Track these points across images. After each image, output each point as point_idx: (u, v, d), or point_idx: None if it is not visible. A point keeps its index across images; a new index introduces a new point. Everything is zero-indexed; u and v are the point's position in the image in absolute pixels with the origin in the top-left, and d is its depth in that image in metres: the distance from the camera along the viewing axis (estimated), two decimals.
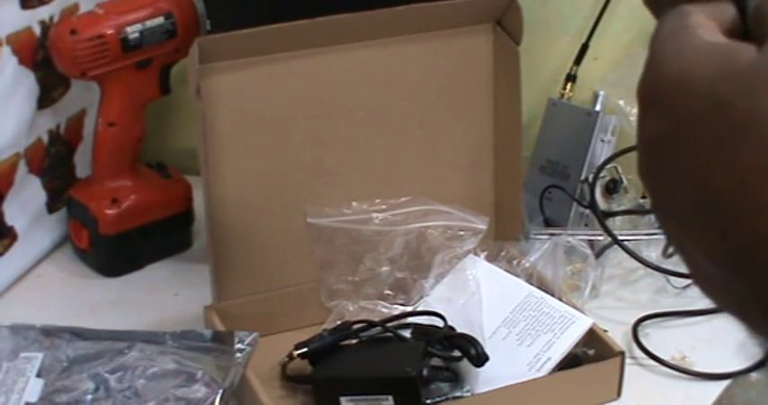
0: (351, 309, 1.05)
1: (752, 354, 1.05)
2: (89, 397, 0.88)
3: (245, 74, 0.99)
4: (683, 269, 1.10)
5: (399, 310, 1.04)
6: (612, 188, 1.17)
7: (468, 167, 1.10)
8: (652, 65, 0.39)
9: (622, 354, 0.97)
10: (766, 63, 0.36)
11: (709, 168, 0.36)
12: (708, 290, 0.39)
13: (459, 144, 1.09)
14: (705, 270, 0.38)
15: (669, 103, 0.38)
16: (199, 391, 0.88)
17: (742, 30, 0.39)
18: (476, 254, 1.06)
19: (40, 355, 0.93)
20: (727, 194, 0.36)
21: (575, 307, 1.01)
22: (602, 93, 1.19)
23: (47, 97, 1.13)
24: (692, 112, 0.37)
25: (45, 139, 1.15)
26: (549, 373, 0.96)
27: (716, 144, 0.36)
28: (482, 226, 1.06)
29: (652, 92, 0.39)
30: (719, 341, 1.07)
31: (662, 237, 1.14)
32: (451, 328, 0.97)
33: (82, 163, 1.21)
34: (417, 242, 1.06)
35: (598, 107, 1.19)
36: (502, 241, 1.09)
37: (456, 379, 0.95)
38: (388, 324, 0.99)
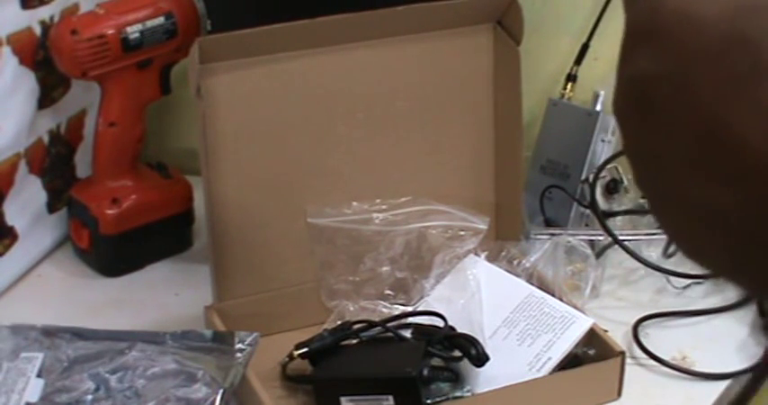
0: (351, 309, 1.05)
1: (752, 354, 1.05)
2: (89, 397, 0.88)
3: (245, 74, 0.99)
4: (684, 269, 1.11)
5: (400, 310, 1.05)
6: (613, 188, 1.17)
7: (468, 167, 1.10)
8: (644, 2, 0.36)
9: (623, 354, 0.97)
10: None
11: (728, 108, 0.34)
12: (701, 251, 0.37)
13: (459, 144, 1.09)
14: (714, 219, 0.35)
15: (671, 40, 0.35)
16: (199, 391, 0.88)
17: None
18: (476, 254, 1.06)
19: (40, 356, 0.93)
20: (747, 131, 0.33)
21: (575, 307, 1.01)
22: (602, 93, 1.19)
23: (47, 97, 1.13)
24: (703, 50, 0.34)
25: (45, 139, 1.15)
26: (550, 373, 0.96)
27: (734, 82, 0.34)
28: (482, 226, 1.06)
29: (647, 26, 0.36)
30: (719, 341, 1.07)
31: (662, 237, 1.14)
32: (452, 328, 0.97)
33: (82, 163, 1.21)
34: (418, 242, 1.06)
35: (598, 107, 1.19)
36: (502, 241, 1.09)
37: (456, 379, 0.95)
38: (389, 324, 0.99)
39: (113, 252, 1.16)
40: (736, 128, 0.34)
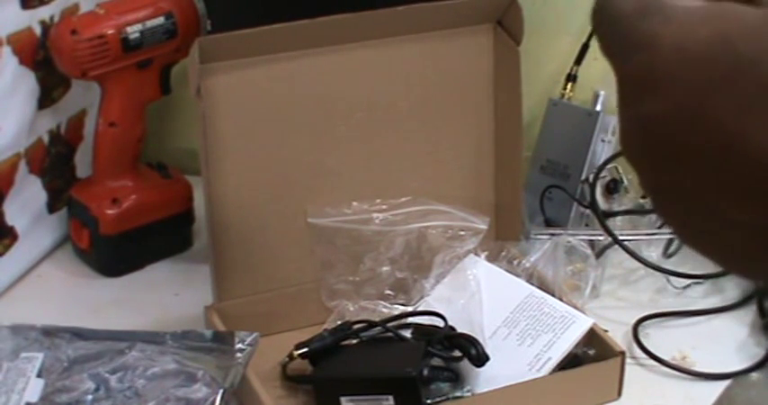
0: (351, 309, 1.05)
1: (752, 354, 1.05)
2: (89, 397, 0.88)
3: (245, 74, 0.99)
4: (684, 269, 1.11)
5: (400, 310, 1.04)
6: (613, 188, 1.17)
7: (468, 167, 1.10)
8: (637, 43, 0.37)
9: (623, 354, 0.97)
10: None
11: (747, 128, 0.34)
12: (751, 271, 0.37)
13: (459, 144, 1.09)
14: (742, 239, 0.36)
15: (675, 81, 0.36)
16: (199, 391, 0.88)
17: None
18: (476, 254, 1.06)
19: (40, 356, 0.93)
20: (765, 153, 0.34)
21: (575, 307, 1.01)
22: (602, 93, 1.19)
23: (47, 97, 1.13)
24: (710, 81, 0.35)
25: (45, 139, 1.15)
26: (550, 373, 0.96)
27: (744, 106, 0.34)
28: (482, 226, 1.06)
29: (647, 75, 0.36)
30: (719, 341, 1.07)
31: (662, 237, 1.14)
32: (452, 328, 0.97)
33: (82, 163, 1.21)
34: (418, 242, 1.06)
35: (599, 107, 1.19)
36: (502, 241, 1.09)
37: (456, 379, 0.95)
38: (389, 324, 0.99)
39: (113, 252, 1.16)
40: (756, 143, 0.34)
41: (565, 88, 1.23)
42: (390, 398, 0.91)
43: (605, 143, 1.18)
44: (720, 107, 0.35)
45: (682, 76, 0.35)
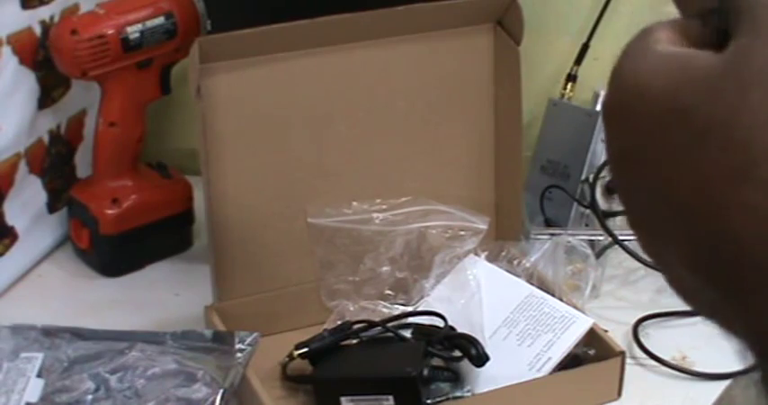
0: (351, 309, 1.05)
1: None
2: (89, 397, 0.88)
3: (245, 74, 0.99)
4: None
5: (400, 310, 1.04)
6: (613, 188, 1.17)
7: (468, 167, 1.10)
8: (612, 82, 0.39)
9: (623, 354, 0.97)
10: (724, 66, 0.36)
11: (675, 176, 0.37)
12: (682, 294, 0.40)
13: (459, 144, 1.09)
14: (678, 275, 0.39)
15: (631, 117, 0.38)
16: (199, 391, 0.88)
17: (710, 40, 0.39)
18: (476, 254, 1.06)
19: (40, 356, 0.93)
20: (692, 200, 0.36)
21: (575, 307, 1.01)
22: (602, 93, 1.19)
23: (47, 97, 1.13)
24: (654, 123, 0.37)
25: (45, 139, 1.15)
26: (550, 373, 0.96)
27: (679, 151, 0.36)
28: (482, 226, 1.06)
29: (614, 107, 0.39)
30: (719, 341, 1.06)
31: None
32: (452, 328, 0.97)
33: (82, 163, 1.21)
34: (418, 242, 1.06)
35: (599, 107, 1.19)
36: (502, 241, 1.09)
37: (456, 379, 0.95)
38: (389, 324, 0.99)
39: (113, 252, 1.16)
40: (684, 195, 0.37)
41: (565, 88, 1.23)
42: (390, 398, 0.91)
43: (605, 143, 1.18)
44: (660, 150, 0.37)
45: (639, 116, 0.38)
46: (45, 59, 1.10)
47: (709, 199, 0.36)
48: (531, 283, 1.03)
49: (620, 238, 1.11)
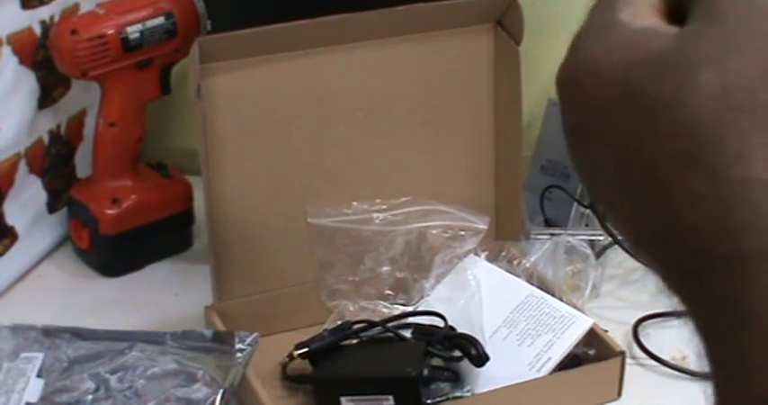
0: (351, 309, 1.05)
1: None
2: (89, 397, 0.88)
3: (245, 74, 0.99)
4: None
5: (400, 310, 1.05)
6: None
7: (468, 167, 1.10)
8: (571, 53, 0.39)
9: (623, 354, 0.97)
10: (677, 47, 0.35)
11: (624, 157, 0.36)
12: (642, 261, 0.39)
13: (459, 144, 1.09)
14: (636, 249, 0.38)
15: (584, 93, 0.38)
16: (199, 391, 0.88)
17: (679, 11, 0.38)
18: (476, 254, 1.06)
19: (40, 356, 0.93)
20: (641, 182, 0.36)
21: (575, 307, 1.01)
22: None
23: (47, 97, 1.13)
24: (606, 101, 0.37)
25: (45, 139, 1.15)
26: (550, 373, 0.96)
27: (628, 132, 0.36)
28: (482, 226, 1.06)
29: (569, 81, 0.39)
30: None
31: None
32: (452, 328, 0.97)
33: (82, 163, 1.21)
34: (418, 242, 1.06)
35: None
36: (502, 241, 1.09)
37: (456, 379, 0.95)
38: (389, 324, 1.00)
39: (113, 252, 1.16)
40: (633, 178, 0.36)
41: None
42: (390, 398, 0.91)
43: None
44: (611, 130, 0.37)
45: (592, 92, 0.37)
46: (45, 59, 1.10)
47: (657, 184, 0.35)
48: (531, 283, 1.03)
49: (620, 237, 1.11)
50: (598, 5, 0.39)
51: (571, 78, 0.39)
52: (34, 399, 0.89)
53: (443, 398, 0.94)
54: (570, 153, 0.40)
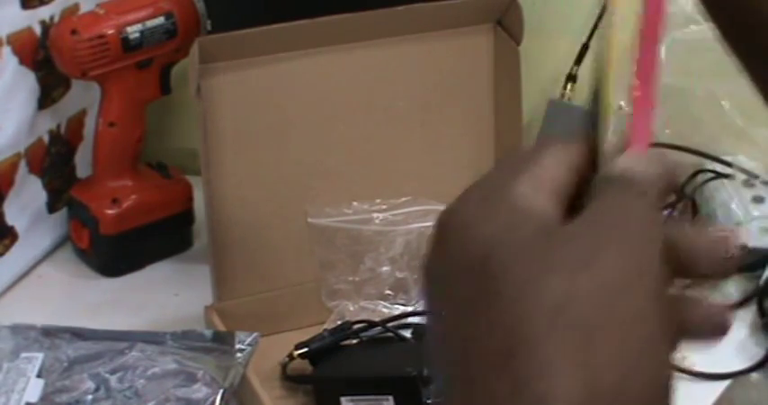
0: (351, 309, 1.05)
1: (752, 354, 1.05)
2: (89, 397, 0.88)
3: (245, 74, 0.99)
4: None
5: (400, 309, 1.05)
6: None
7: (468, 167, 1.10)
8: (460, 199, 0.38)
9: None
10: (543, 243, 0.34)
11: (452, 327, 0.35)
12: None
13: (459, 144, 1.09)
14: None
15: (448, 246, 0.36)
16: (199, 391, 0.88)
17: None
18: None
19: (40, 356, 0.93)
20: (454, 358, 0.35)
21: None
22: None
23: (47, 97, 1.13)
24: (460, 263, 0.35)
25: (45, 139, 1.15)
26: None
27: (464, 304, 0.34)
28: None
29: (440, 226, 0.38)
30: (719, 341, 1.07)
31: None
32: None
33: (82, 163, 1.21)
34: (418, 242, 1.06)
35: None
36: None
37: None
38: (389, 324, 1.00)
39: (113, 252, 1.16)
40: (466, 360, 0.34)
41: (565, 88, 1.23)
42: (390, 398, 0.91)
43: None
44: (447, 300, 0.36)
45: (450, 247, 0.36)
46: (45, 59, 1.10)
47: (467, 368, 0.34)
48: None
49: None
50: (506, 164, 0.38)
51: (444, 225, 0.37)
52: (34, 399, 0.89)
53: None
54: (421, 291, 0.38)
